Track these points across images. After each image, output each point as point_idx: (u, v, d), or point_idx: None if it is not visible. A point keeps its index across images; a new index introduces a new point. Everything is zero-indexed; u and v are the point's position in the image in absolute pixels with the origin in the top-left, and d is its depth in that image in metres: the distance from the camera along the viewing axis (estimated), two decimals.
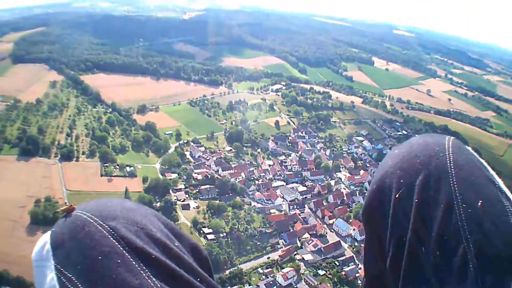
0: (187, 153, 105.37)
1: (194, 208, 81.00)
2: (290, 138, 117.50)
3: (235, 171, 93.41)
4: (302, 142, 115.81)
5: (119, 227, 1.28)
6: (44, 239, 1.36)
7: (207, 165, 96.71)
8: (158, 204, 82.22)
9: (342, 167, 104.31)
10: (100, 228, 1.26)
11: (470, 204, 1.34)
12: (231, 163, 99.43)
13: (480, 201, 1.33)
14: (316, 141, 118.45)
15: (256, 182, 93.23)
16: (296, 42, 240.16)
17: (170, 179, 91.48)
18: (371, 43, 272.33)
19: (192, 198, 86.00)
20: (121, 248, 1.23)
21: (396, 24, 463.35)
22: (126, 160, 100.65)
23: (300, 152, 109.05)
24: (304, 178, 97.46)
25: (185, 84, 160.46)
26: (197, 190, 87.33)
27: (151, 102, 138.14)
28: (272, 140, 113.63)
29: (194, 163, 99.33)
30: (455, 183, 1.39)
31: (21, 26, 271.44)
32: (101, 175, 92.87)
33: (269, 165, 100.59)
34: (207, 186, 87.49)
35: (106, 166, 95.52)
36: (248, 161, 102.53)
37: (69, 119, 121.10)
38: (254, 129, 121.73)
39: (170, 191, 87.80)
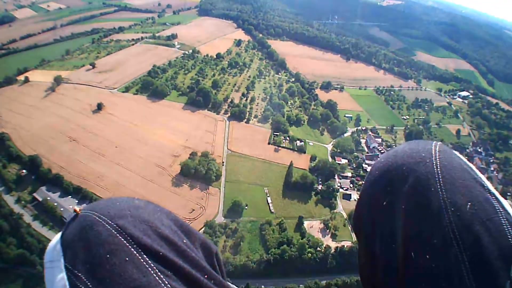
0: (363, 141, 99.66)
1: (355, 200, 72.83)
2: (467, 150, 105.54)
3: None
4: (478, 158, 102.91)
5: (127, 225, 1.31)
6: (55, 240, 1.40)
7: None
8: (320, 187, 78.19)
9: (510, 196, 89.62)
10: (108, 227, 1.29)
11: (459, 207, 1.35)
12: None
13: (469, 203, 1.35)
14: (491, 160, 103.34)
15: None
16: (487, 52, 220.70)
17: (339, 164, 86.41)
18: None
19: (356, 189, 79.53)
20: (129, 246, 1.25)
21: None
22: (298, 133, 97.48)
23: None
24: None
25: (375, 70, 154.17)
26: (363, 182, 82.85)
27: (337, 81, 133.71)
28: None
29: (368, 153, 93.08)
30: (442, 187, 1.39)
31: None
32: (269, 143, 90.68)
33: None
34: None
35: (276, 135, 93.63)
36: None
37: (248, 79, 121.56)
38: (435, 132, 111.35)
39: (336, 177, 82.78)
